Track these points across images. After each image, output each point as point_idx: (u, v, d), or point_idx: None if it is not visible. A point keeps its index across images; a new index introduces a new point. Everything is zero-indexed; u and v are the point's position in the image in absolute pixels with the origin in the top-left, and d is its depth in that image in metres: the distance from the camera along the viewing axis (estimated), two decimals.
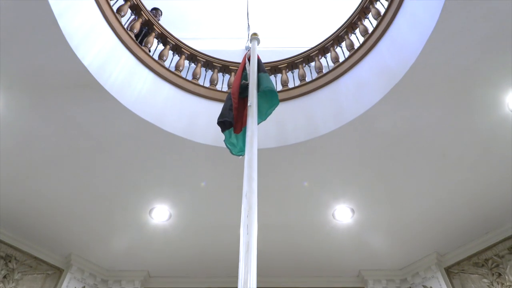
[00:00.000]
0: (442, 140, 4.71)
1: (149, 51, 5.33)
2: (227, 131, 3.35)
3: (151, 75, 5.11)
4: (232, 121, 3.29)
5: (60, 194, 5.22)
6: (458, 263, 5.99)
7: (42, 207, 5.37)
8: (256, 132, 2.73)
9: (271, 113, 3.48)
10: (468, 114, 4.45)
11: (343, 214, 5.56)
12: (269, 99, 3.46)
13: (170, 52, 5.93)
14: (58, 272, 5.97)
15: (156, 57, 5.41)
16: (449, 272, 6.03)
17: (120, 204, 5.41)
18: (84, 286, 6.05)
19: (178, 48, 5.93)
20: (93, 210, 5.46)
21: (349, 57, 5.24)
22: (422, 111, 4.47)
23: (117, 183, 5.16)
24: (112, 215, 5.55)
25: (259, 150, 2.65)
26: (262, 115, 3.44)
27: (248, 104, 3.09)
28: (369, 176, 5.13)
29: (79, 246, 5.98)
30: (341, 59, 5.58)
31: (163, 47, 5.80)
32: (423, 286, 6.07)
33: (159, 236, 5.82)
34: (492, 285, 5.49)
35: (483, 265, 5.73)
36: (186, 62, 6.07)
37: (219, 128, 3.38)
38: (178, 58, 5.89)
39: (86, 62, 4.09)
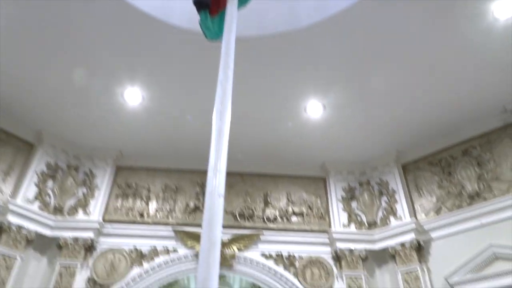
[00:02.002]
0: (422, 45, 4.69)
1: None
2: (202, 13, 3.14)
3: None
4: (209, 2, 3.08)
5: (31, 70, 5.04)
6: (414, 161, 6.41)
7: (12, 82, 5.20)
8: (235, 19, 2.59)
9: None
10: (452, 20, 4.37)
11: (314, 109, 5.67)
12: None
13: None
14: (29, 147, 6.01)
15: None
16: (405, 168, 6.47)
17: (92, 84, 5.28)
18: (57, 161, 6.17)
19: None
20: (65, 88, 5.33)
21: None
22: (406, 13, 4.35)
23: (88, 63, 4.98)
24: (84, 95, 5.45)
25: (236, 38, 2.55)
26: (243, 0, 3.24)
27: None
28: (345, 74, 5.14)
29: (50, 122, 5.95)
30: None
31: None
32: (379, 179, 6.54)
33: (131, 117, 5.83)
34: (442, 182, 5.98)
35: (437, 164, 6.16)
36: None
37: (196, 13, 3.18)
38: None
39: None
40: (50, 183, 5.98)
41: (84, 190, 6.17)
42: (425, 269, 5.50)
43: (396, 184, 6.31)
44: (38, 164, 5.92)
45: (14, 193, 5.54)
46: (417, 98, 5.47)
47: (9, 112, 5.71)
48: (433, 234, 5.69)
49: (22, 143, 5.94)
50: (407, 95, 5.42)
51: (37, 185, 5.78)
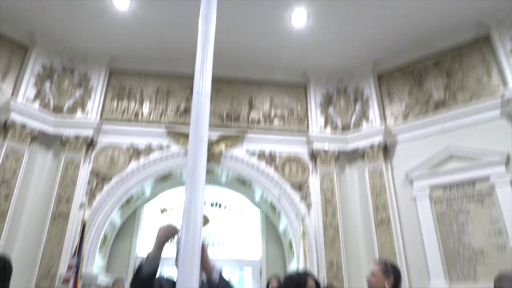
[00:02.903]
0: None
1: None
2: None
3: None
4: None
5: None
6: (389, 70, 6.40)
7: None
8: None
9: None
10: None
11: (299, 18, 5.46)
12: None
13: None
14: (23, 50, 5.76)
15: None
16: (380, 77, 6.48)
17: None
18: (52, 64, 5.98)
19: None
20: None
21: None
22: None
23: None
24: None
25: None
26: None
27: None
28: None
29: (43, 25, 5.64)
30: None
31: None
32: (355, 86, 6.58)
33: (120, 21, 5.54)
34: (412, 90, 6.07)
35: (409, 74, 6.19)
36: None
37: None
38: None
39: None
40: (47, 84, 5.86)
41: (81, 91, 6.09)
42: (389, 167, 5.83)
43: (370, 91, 6.39)
44: (34, 66, 5.75)
45: (14, 93, 5.46)
46: (396, 9, 5.30)
47: (1, 13, 5.35)
48: (399, 137, 5.93)
49: (16, 46, 5.69)
50: (388, 8, 5.24)
51: (35, 86, 5.68)
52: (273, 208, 6.24)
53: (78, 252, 4.86)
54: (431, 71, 5.99)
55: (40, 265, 4.94)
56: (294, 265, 5.71)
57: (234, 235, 6.49)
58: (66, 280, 4.73)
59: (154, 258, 1.97)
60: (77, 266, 4.78)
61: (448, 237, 5.12)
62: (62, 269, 4.91)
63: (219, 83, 6.27)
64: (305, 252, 5.35)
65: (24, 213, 5.19)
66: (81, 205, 5.35)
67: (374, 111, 6.23)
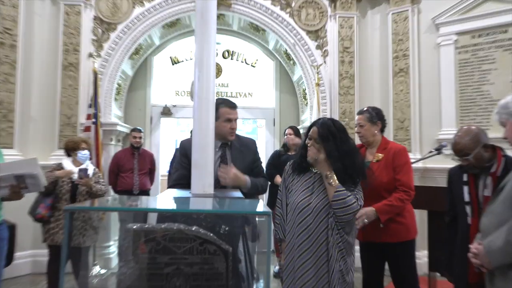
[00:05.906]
0: None
1: None
2: None
3: None
4: None
5: None
6: None
7: None
8: None
9: None
10: None
11: None
12: None
13: None
14: None
15: None
16: None
17: None
18: None
19: None
20: None
21: None
22: None
23: None
24: None
25: None
26: None
27: None
28: None
29: None
30: None
31: None
32: None
33: None
34: None
35: None
36: None
37: None
38: None
39: None
40: None
41: None
42: (416, 11, 5.36)
43: None
44: None
45: None
46: None
47: None
48: None
49: None
50: None
51: None
52: (287, 57, 6.04)
53: (94, 102, 4.97)
54: None
55: (60, 114, 5.11)
56: (308, 114, 5.83)
57: (247, 86, 6.47)
58: (87, 128, 4.97)
59: None
60: (96, 116, 4.96)
61: (467, 86, 5.02)
62: (81, 118, 5.10)
63: None
64: (318, 102, 5.37)
65: (34, 63, 5.11)
66: (90, 55, 5.23)
67: None
